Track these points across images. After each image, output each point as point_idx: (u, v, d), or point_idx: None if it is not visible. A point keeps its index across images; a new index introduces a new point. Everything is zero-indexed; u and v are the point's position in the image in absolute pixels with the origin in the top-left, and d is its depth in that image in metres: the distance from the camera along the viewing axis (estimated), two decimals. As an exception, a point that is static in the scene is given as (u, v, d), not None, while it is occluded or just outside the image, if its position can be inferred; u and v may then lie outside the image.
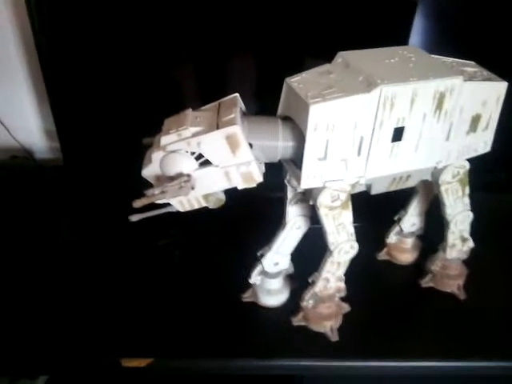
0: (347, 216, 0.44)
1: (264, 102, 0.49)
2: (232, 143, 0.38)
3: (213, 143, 0.38)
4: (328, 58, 0.43)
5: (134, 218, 0.40)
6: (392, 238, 0.58)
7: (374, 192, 0.44)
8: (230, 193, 0.41)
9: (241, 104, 0.41)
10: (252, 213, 0.60)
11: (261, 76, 0.60)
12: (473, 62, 0.45)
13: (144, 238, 0.59)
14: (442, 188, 0.47)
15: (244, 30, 0.58)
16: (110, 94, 0.61)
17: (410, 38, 0.56)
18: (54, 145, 0.68)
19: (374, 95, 0.37)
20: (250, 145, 0.39)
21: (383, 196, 0.47)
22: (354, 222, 0.45)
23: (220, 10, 0.56)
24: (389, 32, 0.55)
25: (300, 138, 0.39)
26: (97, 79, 0.61)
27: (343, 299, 0.51)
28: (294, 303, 0.51)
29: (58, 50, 0.59)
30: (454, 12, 0.58)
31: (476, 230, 0.52)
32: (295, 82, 0.39)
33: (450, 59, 0.44)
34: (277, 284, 0.52)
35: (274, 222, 0.50)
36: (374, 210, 0.57)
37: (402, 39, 0.55)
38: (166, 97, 0.61)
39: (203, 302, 0.53)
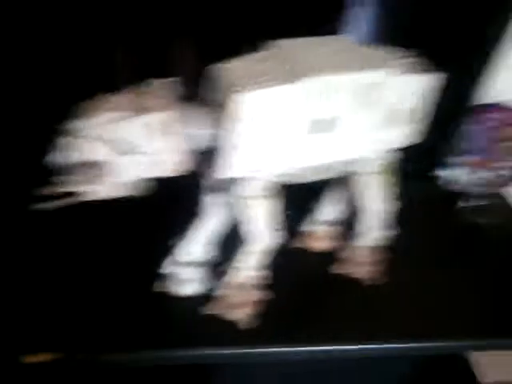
0: (264, 206, 0.43)
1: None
2: (152, 130, 0.35)
3: (130, 130, 0.35)
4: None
5: (45, 206, 0.37)
6: (307, 226, 0.58)
7: (294, 182, 0.44)
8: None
9: (170, 89, 0.38)
10: (169, 198, 0.57)
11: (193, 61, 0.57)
12: (404, 52, 0.45)
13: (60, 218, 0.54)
14: (363, 178, 0.47)
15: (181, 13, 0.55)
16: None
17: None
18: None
19: (297, 86, 0.36)
20: (172, 132, 0.37)
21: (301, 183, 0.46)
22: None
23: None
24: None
25: (221, 125, 0.37)
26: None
27: (256, 287, 0.50)
28: (207, 292, 0.50)
29: None
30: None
31: (399, 217, 0.53)
32: (224, 68, 0.37)
33: (380, 48, 0.44)
34: (189, 273, 0.51)
35: (193, 208, 0.48)
36: (292, 198, 0.57)
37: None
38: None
39: (112, 292, 0.50)
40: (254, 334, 0.49)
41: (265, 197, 0.42)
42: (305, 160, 0.41)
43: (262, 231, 0.44)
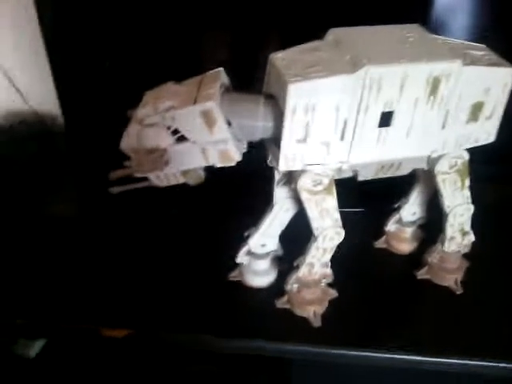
0: (331, 201, 0.42)
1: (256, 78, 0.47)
2: (208, 120, 0.36)
3: (188, 118, 0.36)
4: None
5: (115, 190, 0.40)
6: (391, 227, 0.56)
7: (360, 178, 0.42)
8: (217, 168, 0.40)
9: (224, 79, 0.40)
10: (244, 190, 0.58)
11: (254, 51, 0.58)
12: (483, 45, 0.42)
13: (133, 209, 0.58)
14: (439, 178, 0.44)
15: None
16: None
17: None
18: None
19: (358, 76, 0.35)
20: (229, 123, 0.38)
21: (384, 182, 0.44)
22: (354, 207, 0.43)
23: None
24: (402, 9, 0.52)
25: (281, 117, 0.37)
26: (96, 46, 0.60)
27: (331, 285, 0.49)
28: (280, 285, 0.50)
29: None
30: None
31: (478, 222, 0.49)
32: (279, 58, 0.37)
33: (458, 41, 0.41)
34: (263, 265, 0.51)
35: (266, 199, 0.49)
36: (375, 196, 0.55)
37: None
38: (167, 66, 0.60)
39: (188, 276, 0.53)
40: (325, 333, 0.48)
41: (331, 191, 0.41)
42: (372, 155, 0.40)
43: (332, 227, 0.43)
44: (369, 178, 0.43)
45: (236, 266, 0.52)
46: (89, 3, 0.58)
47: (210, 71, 0.39)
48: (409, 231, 0.56)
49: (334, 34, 0.39)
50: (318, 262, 0.46)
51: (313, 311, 0.49)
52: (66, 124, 0.67)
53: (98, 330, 0.48)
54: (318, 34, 0.40)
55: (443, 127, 0.40)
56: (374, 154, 0.40)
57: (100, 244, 0.57)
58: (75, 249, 0.56)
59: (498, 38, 0.43)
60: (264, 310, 0.50)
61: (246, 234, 0.50)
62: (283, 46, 0.39)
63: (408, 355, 0.47)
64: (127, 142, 0.39)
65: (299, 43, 0.39)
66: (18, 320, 0.48)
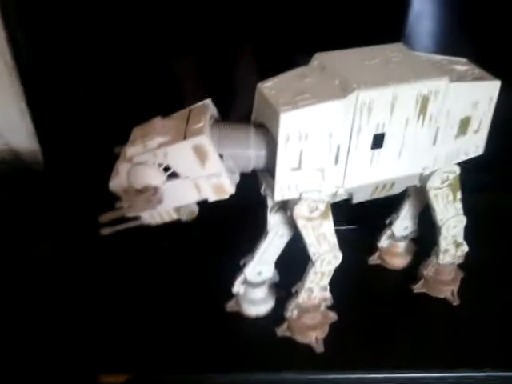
0: (327, 226, 0.41)
1: (243, 106, 0.47)
2: (200, 154, 0.36)
3: (180, 154, 0.35)
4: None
5: (105, 231, 0.39)
6: (384, 242, 0.56)
7: (355, 201, 0.42)
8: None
9: (212, 110, 0.39)
10: (236, 219, 0.57)
11: (239, 77, 0.58)
12: (464, 59, 0.42)
13: (125, 245, 0.57)
14: (431, 194, 0.45)
15: (220, 30, 0.56)
16: (89, 97, 0.60)
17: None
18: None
19: (349, 101, 0.35)
20: (221, 155, 0.37)
21: (375, 198, 0.45)
22: (346, 224, 0.43)
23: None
24: (380, 29, 0.53)
25: (273, 146, 0.37)
26: (76, 82, 0.59)
27: (330, 307, 0.49)
28: (279, 313, 0.49)
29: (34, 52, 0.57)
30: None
31: (471, 231, 0.49)
32: (267, 87, 0.37)
33: (439, 57, 0.42)
34: (260, 293, 0.50)
35: (260, 227, 0.48)
36: (365, 213, 0.54)
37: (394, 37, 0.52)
38: (150, 101, 0.59)
39: (184, 313, 0.51)
40: (328, 358, 0.47)
41: (327, 216, 0.41)
42: (366, 177, 0.40)
43: (329, 251, 0.43)
44: (363, 199, 0.42)
45: (232, 296, 0.51)
46: (64, 43, 0.57)
47: (198, 103, 0.39)
48: (402, 246, 0.56)
49: (319, 58, 0.39)
50: (316, 286, 0.45)
51: (315, 337, 0.48)
52: (46, 162, 0.65)
53: (96, 378, 0.46)
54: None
55: (434, 144, 0.40)
56: (368, 176, 0.39)
57: (90, 285, 0.55)
58: (61, 292, 0.54)
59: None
60: (264, 339, 0.49)
61: (241, 262, 0.49)
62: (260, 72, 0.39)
63: (414, 373, 0.47)
64: (117, 182, 0.37)
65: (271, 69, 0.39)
66: (11, 374, 0.46)
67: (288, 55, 0.53)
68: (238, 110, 0.47)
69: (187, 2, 0.54)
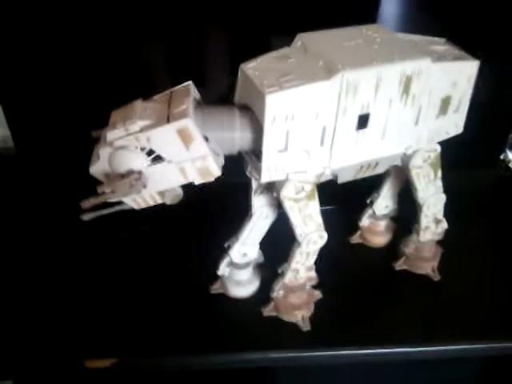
0: (314, 206, 0.42)
1: (226, 87, 0.46)
2: (184, 137, 0.35)
3: (163, 138, 0.35)
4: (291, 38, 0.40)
5: (86, 217, 0.38)
6: (365, 221, 0.57)
7: (340, 181, 0.42)
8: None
9: (195, 93, 0.38)
10: (219, 200, 0.57)
11: (218, 58, 0.57)
12: (443, 40, 0.43)
13: (104, 228, 0.56)
14: (413, 173, 0.45)
15: (202, 11, 0.54)
16: (60, 80, 0.58)
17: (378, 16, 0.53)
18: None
19: (335, 82, 0.35)
20: (206, 137, 0.37)
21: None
22: (326, 204, 0.43)
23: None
24: (356, 8, 0.52)
25: (259, 128, 0.36)
26: (46, 64, 0.57)
27: (315, 286, 0.49)
28: (264, 293, 0.49)
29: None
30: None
31: (450, 208, 0.50)
32: (250, 68, 0.36)
33: (420, 37, 0.42)
34: (246, 275, 0.51)
35: (244, 209, 0.48)
36: (347, 193, 0.55)
37: (370, 16, 0.52)
38: (123, 82, 0.57)
39: (170, 296, 0.51)
40: (315, 336, 0.48)
41: (313, 197, 0.41)
42: (352, 157, 0.40)
43: (316, 231, 0.43)
44: (348, 179, 0.43)
45: (217, 278, 0.51)
46: (32, 26, 0.55)
47: (179, 85, 0.38)
48: (382, 224, 0.57)
49: (301, 39, 0.38)
50: (302, 266, 0.46)
51: (301, 316, 0.48)
52: (16, 145, 0.63)
53: (82, 362, 0.45)
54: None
55: (416, 124, 0.40)
56: (353, 156, 0.40)
57: (73, 270, 0.54)
58: (43, 278, 0.53)
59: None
60: (250, 320, 0.49)
61: (225, 244, 0.49)
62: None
63: (398, 347, 0.48)
64: (98, 167, 0.37)
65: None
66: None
67: (262, 36, 0.53)
68: (216, 92, 0.47)
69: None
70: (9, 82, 0.59)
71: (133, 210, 0.40)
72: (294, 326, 0.48)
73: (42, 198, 0.62)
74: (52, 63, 0.57)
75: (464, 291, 0.52)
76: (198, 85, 0.39)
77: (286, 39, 0.40)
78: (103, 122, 0.37)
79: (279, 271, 0.47)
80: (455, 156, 0.50)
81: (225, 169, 0.39)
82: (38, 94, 0.59)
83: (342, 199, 0.57)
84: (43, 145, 0.62)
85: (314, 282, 0.48)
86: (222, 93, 0.45)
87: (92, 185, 0.36)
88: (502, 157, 0.70)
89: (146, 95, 0.38)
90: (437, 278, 0.53)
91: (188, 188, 0.39)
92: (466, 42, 0.42)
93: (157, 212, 0.42)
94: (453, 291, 0.52)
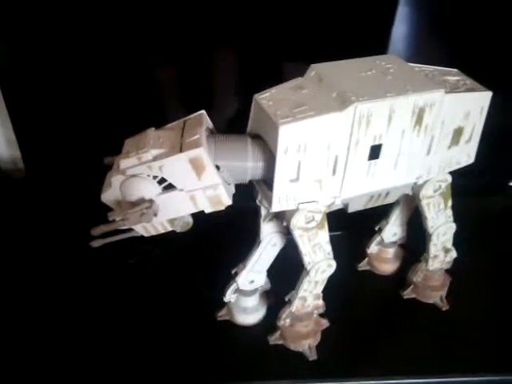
0: (323, 236, 0.41)
1: (238, 116, 0.46)
2: (197, 166, 0.35)
3: (176, 167, 0.35)
4: (304, 68, 0.40)
5: (95, 243, 0.38)
6: (373, 248, 0.56)
7: (351, 210, 0.42)
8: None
9: (207, 122, 0.38)
10: (227, 225, 0.57)
11: (234, 87, 0.57)
12: (455, 70, 0.43)
13: (113, 254, 0.55)
14: (424, 202, 0.45)
15: (216, 39, 0.55)
16: (73, 104, 0.58)
17: (390, 44, 0.53)
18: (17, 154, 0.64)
19: (348, 113, 0.34)
20: (217, 166, 0.37)
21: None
22: (334, 230, 0.43)
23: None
24: (368, 40, 0.53)
25: (270, 157, 0.36)
26: (58, 88, 0.57)
27: (322, 314, 0.48)
28: (271, 321, 0.49)
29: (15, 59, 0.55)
30: (436, 16, 0.55)
31: (459, 235, 0.50)
32: (264, 98, 0.36)
33: (431, 67, 0.42)
34: (252, 302, 0.50)
35: (251, 235, 0.48)
36: (355, 219, 0.54)
37: (381, 45, 0.52)
38: (135, 109, 0.58)
39: (176, 323, 0.51)
40: (321, 365, 0.47)
41: (323, 226, 0.41)
42: (363, 187, 0.40)
43: (324, 260, 0.43)
44: (359, 209, 0.42)
45: (223, 304, 0.51)
46: (45, 49, 0.55)
47: (192, 115, 0.38)
48: (391, 252, 0.56)
49: (315, 70, 0.38)
50: (310, 294, 0.45)
51: (308, 344, 0.48)
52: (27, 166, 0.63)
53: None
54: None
55: (428, 154, 0.40)
56: (364, 186, 0.39)
57: (80, 297, 0.53)
58: (54, 302, 0.53)
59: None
60: (256, 348, 0.49)
61: (232, 271, 0.49)
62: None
63: (406, 378, 0.47)
64: (110, 194, 0.37)
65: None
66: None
67: (275, 66, 0.54)
68: (230, 122, 0.47)
69: (177, 10, 0.53)
70: (21, 103, 0.59)
71: (141, 236, 0.40)
72: (300, 355, 0.48)
73: (51, 221, 0.62)
74: (66, 87, 0.58)
75: (473, 321, 0.52)
76: (211, 114, 0.39)
77: (299, 68, 0.40)
78: (115, 149, 0.37)
79: (286, 299, 0.46)
80: (464, 184, 0.50)
81: (235, 194, 0.39)
82: (50, 115, 0.59)
83: (351, 225, 0.57)
84: (54, 168, 0.62)
85: (321, 310, 0.47)
86: (234, 122, 0.45)
87: (102, 210, 0.36)
88: (510, 184, 0.69)
89: (159, 123, 0.38)
90: (445, 307, 0.53)
91: (196, 214, 0.39)
92: (475, 70, 0.42)
93: (164, 238, 0.41)
94: (461, 321, 0.52)
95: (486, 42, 0.57)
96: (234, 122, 0.44)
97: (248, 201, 0.42)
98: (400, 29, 0.54)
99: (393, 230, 0.54)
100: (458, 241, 0.51)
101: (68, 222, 0.60)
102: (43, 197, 0.64)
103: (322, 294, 0.46)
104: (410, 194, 0.45)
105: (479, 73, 0.42)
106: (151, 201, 0.36)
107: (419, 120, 0.37)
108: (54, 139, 0.61)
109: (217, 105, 0.58)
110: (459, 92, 0.39)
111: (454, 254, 0.51)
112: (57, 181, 0.63)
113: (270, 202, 0.38)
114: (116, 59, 0.56)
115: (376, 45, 0.49)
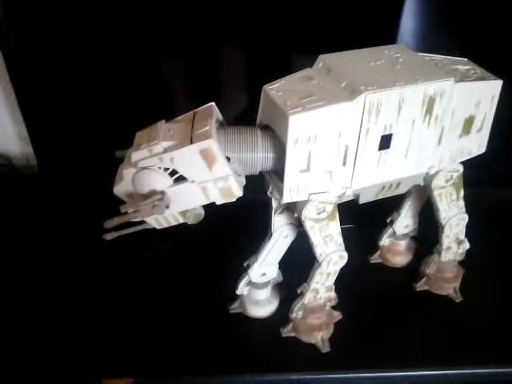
0: (335, 227, 0.41)
1: (247, 108, 0.46)
2: (207, 158, 0.35)
3: (187, 158, 0.35)
4: (312, 59, 0.40)
5: (108, 236, 0.38)
6: (385, 241, 0.56)
7: (362, 201, 0.42)
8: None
9: (217, 113, 0.38)
10: (239, 218, 0.57)
11: (242, 79, 0.58)
12: (465, 59, 0.42)
13: (127, 248, 0.56)
14: (435, 193, 0.45)
15: (223, 31, 0.55)
16: (84, 99, 0.59)
17: (398, 35, 0.53)
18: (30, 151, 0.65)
19: (357, 103, 0.35)
20: (228, 158, 0.37)
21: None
22: (346, 223, 0.43)
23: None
24: (376, 29, 0.52)
25: (281, 148, 0.36)
26: (69, 84, 0.58)
27: (334, 306, 0.49)
28: (283, 313, 0.49)
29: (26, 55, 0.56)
30: (445, 6, 0.55)
31: (471, 227, 0.50)
32: (273, 89, 0.36)
33: (441, 57, 0.42)
34: (265, 294, 0.50)
35: (262, 228, 0.48)
36: (367, 212, 0.54)
37: (390, 36, 0.52)
38: (145, 103, 0.58)
39: (189, 315, 0.51)
40: (334, 357, 0.47)
41: (334, 217, 0.41)
42: (374, 178, 0.39)
43: (336, 251, 0.43)
44: (370, 200, 0.42)
45: (236, 297, 0.51)
46: (56, 46, 0.56)
47: (202, 106, 0.38)
48: (403, 244, 0.56)
49: (323, 60, 0.38)
50: (322, 287, 0.45)
51: (320, 337, 0.48)
52: (40, 163, 0.64)
53: (100, 382, 0.45)
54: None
55: (439, 144, 0.40)
56: (375, 176, 0.39)
57: (93, 289, 0.54)
58: (63, 296, 0.53)
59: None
60: (269, 340, 0.49)
61: (244, 264, 0.49)
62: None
63: (419, 370, 0.47)
64: (122, 187, 0.37)
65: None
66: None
67: (284, 57, 0.53)
68: (239, 114, 0.47)
69: (183, 4, 0.54)
70: (33, 100, 0.60)
71: (154, 229, 0.40)
72: (313, 347, 0.48)
73: (65, 216, 0.62)
74: (77, 84, 0.58)
75: (486, 312, 0.52)
76: (220, 106, 0.39)
77: (308, 59, 0.40)
78: (127, 142, 0.38)
79: (298, 291, 0.46)
80: (477, 175, 0.49)
81: (245, 187, 0.39)
82: (61, 112, 0.60)
83: (362, 218, 0.57)
84: (66, 163, 0.62)
85: (333, 303, 0.47)
86: (244, 113, 0.45)
87: (115, 204, 0.37)
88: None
89: (169, 116, 0.38)
90: (458, 299, 0.52)
91: (207, 206, 0.39)
92: (485, 59, 0.42)
93: (177, 231, 0.42)
94: (475, 312, 0.52)
95: (495, 31, 0.56)
96: (244, 114, 0.44)
97: (259, 194, 0.43)
98: (408, 19, 0.54)
99: (405, 222, 0.54)
100: (471, 232, 0.50)
101: (81, 216, 0.60)
102: (56, 192, 0.64)
103: (334, 287, 0.46)
104: (422, 184, 0.45)
105: (489, 62, 0.42)
106: (163, 193, 0.36)
107: (429, 109, 0.37)
108: (65, 135, 0.61)
109: (226, 97, 0.58)
110: (469, 81, 0.39)
111: (466, 245, 0.51)
112: (69, 176, 0.64)
113: (280, 193, 0.38)
114: (126, 55, 0.56)
115: (385, 35, 0.48)
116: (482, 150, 0.44)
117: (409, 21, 0.56)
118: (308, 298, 0.46)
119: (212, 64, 0.57)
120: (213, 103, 0.38)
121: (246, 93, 0.54)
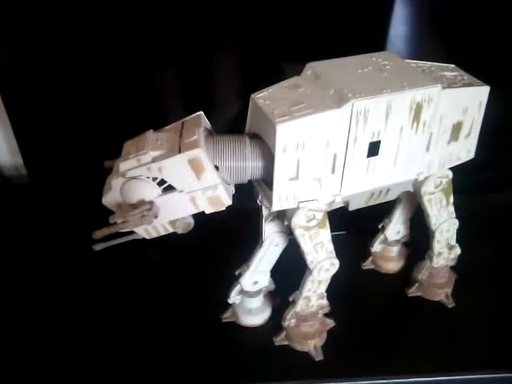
0: (325, 234, 0.41)
1: (236, 116, 0.46)
2: (196, 167, 0.35)
3: (175, 168, 0.35)
4: (302, 67, 0.40)
5: (98, 247, 0.38)
6: (377, 247, 0.56)
7: (351, 208, 0.42)
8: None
9: (206, 122, 0.38)
10: (229, 226, 0.57)
11: (231, 87, 0.58)
12: (452, 65, 0.43)
13: (119, 258, 0.55)
14: (425, 199, 0.45)
15: (212, 40, 0.55)
16: (73, 110, 0.59)
17: (387, 42, 0.53)
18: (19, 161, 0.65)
19: (345, 110, 0.35)
20: (217, 167, 0.37)
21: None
22: (337, 230, 0.43)
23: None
24: (365, 37, 0.53)
25: (269, 157, 0.36)
26: (59, 95, 0.58)
27: (327, 314, 0.48)
28: (276, 322, 0.49)
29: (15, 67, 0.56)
30: (433, 13, 0.55)
31: (463, 232, 0.50)
32: (261, 97, 0.36)
33: (428, 63, 0.42)
34: (257, 303, 0.50)
35: (253, 236, 0.48)
36: (358, 218, 0.54)
37: (379, 44, 0.52)
38: (134, 113, 0.58)
39: (181, 325, 0.50)
40: (327, 365, 0.47)
41: (324, 225, 0.41)
42: (363, 184, 0.40)
43: (327, 259, 0.43)
44: (360, 206, 0.42)
45: (228, 306, 0.51)
46: (44, 56, 0.56)
47: (190, 116, 0.38)
48: (395, 250, 0.56)
49: (311, 68, 0.39)
50: (314, 294, 0.45)
51: (313, 344, 0.48)
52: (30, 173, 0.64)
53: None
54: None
55: (427, 150, 0.40)
56: (364, 183, 0.39)
57: (83, 300, 0.54)
58: (57, 307, 0.53)
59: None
60: (262, 349, 0.49)
61: (236, 272, 0.49)
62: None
63: (412, 377, 0.47)
64: (110, 197, 0.37)
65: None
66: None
67: (272, 65, 0.54)
68: (228, 122, 0.47)
69: (174, 12, 0.54)
70: (23, 110, 0.60)
71: (144, 239, 0.40)
72: (306, 356, 0.48)
73: (55, 226, 0.62)
74: (66, 93, 0.58)
75: (479, 318, 0.51)
76: (209, 114, 0.39)
77: (296, 67, 0.40)
78: (116, 152, 0.38)
79: (290, 299, 0.46)
80: (468, 180, 0.49)
81: (235, 195, 0.39)
82: (51, 122, 0.60)
83: (354, 224, 0.57)
84: (56, 173, 0.62)
85: (326, 310, 0.47)
86: (233, 121, 0.45)
87: (104, 214, 0.36)
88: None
89: (158, 125, 0.38)
90: (451, 304, 0.52)
91: (198, 215, 0.39)
92: (473, 66, 0.42)
93: (167, 240, 0.42)
94: (467, 318, 0.51)
95: (482, 37, 0.57)
96: (232, 122, 0.44)
97: (250, 202, 0.43)
98: (397, 26, 0.55)
99: (396, 228, 0.54)
100: (462, 238, 0.50)
101: (71, 226, 0.60)
102: (46, 202, 0.64)
103: (325, 294, 0.46)
104: (412, 190, 0.45)
105: (477, 68, 0.42)
106: (151, 203, 0.36)
107: (417, 116, 0.38)
108: (55, 146, 0.61)
109: (214, 105, 0.58)
110: (457, 87, 0.39)
111: (458, 250, 0.51)
112: (59, 186, 0.63)
113: (270, 202, 0.38)
114: (114, 64, 0.56)
115: (373, 43, 0.49)
116: (471, 155, 0.44)
117: (398, 28, 0.56)
118: (300, 305, 0.45)
119: (201, 73, 0.57)
120: (201, 112, 0.38)
121: (235, 101, 0.54)
